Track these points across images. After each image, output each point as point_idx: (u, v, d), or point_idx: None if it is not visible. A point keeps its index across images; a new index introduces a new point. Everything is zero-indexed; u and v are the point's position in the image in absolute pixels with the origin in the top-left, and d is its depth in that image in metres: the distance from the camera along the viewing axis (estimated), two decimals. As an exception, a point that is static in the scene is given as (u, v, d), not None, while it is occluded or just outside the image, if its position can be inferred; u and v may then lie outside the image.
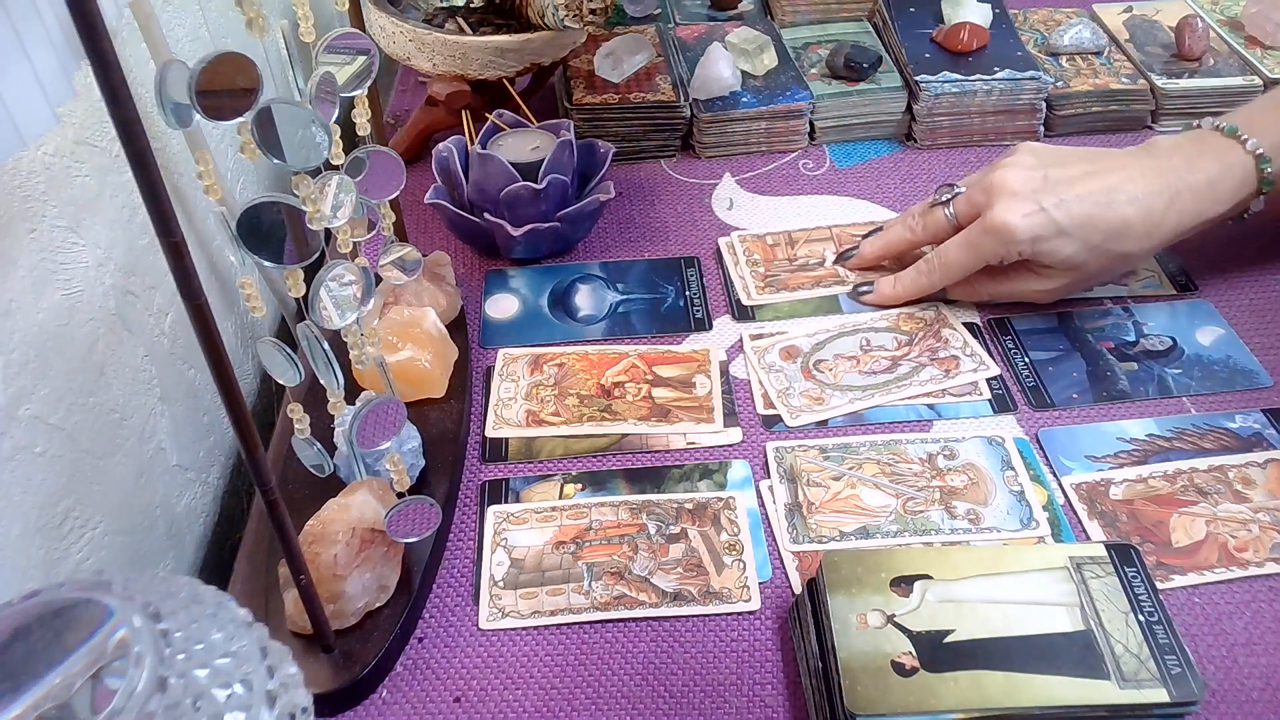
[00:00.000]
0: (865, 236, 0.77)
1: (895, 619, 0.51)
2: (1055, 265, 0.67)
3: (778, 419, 0.67)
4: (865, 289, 0.74)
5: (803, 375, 0.70)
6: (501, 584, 0.58)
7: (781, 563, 0.59)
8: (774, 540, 0.60)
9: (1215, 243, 0.75)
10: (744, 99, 0.88)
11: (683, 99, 0.87)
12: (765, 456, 0.64)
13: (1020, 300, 0.72)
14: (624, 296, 0.76)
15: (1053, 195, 0.65)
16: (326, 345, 0.50)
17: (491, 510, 0.62)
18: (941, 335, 0.72)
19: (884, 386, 0.68)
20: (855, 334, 0.72)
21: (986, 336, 0.72)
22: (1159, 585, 0.55)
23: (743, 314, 0.74)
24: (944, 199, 0.71)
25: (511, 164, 0.74)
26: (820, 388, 0.69)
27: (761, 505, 0.62)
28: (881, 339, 0.72)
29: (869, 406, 0.67)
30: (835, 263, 0.77)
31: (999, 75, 0.87)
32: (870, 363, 0.70)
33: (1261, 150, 0.67)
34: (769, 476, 0.63)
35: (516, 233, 0.74)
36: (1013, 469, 0.63)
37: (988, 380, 0.68)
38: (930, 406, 0.67)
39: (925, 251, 0.74)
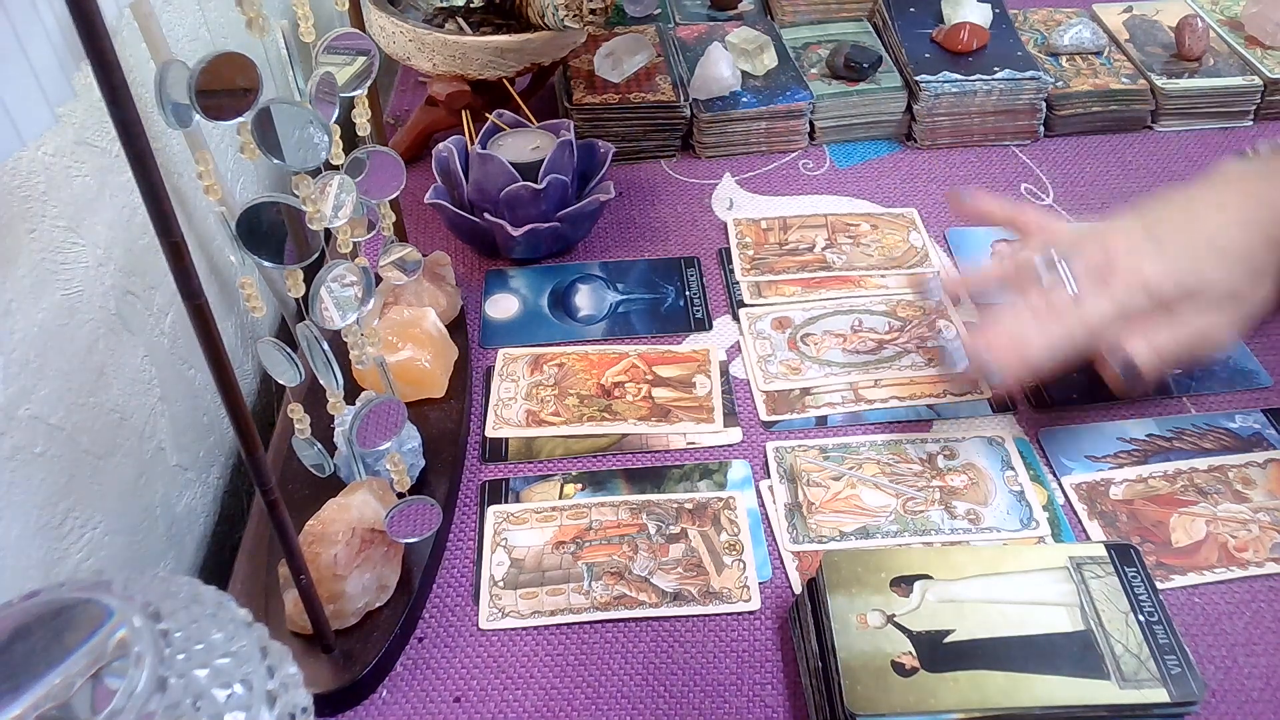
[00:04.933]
0: (918, 287, 0.70)
1: (895, 619, 0.51)
2: (1210, 297, 0.60)
3: (778, 420, 0.67)
4: (990, 376, 0.63)
5: (787, 345, 0.71)
6: (501, 584, 0.58)
7: (781, 563, 0.59)
8: (774, 540, 0.60)
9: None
10: (744, 99, 0.88)
11: (683, 99, 0.88)
12: (765, 457, 0.64)
13: (1203, 345, 0.62)
14: (624, 296, 0.76)
15: (1168, 242, 0.61)
16: (326, 345, 0.49)
17: (491, 510, 0.62)
18: (936, 326, 0.72)
19: (863, 366, 0.69)
20: (851, 314, 0.73)
21: (986, 336, 0.72)
22: (1159, 585, 0.55)
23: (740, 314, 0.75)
24: (1059, 270, 0.61)
25: (511, 164, 0.74)
26: (801, 358, 0.70)
27: (761, 505, 0.62)
28: (874, 321, 0.73)
29: (844, 384, 0.68)
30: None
31: (999, 75, 0.87)
32: (857, 342, 0.71)
33: None
34: (769, 476, 0.63)
35: (516, 233, 0.74)
36: (1013, 469, 0.63)
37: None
38: (930, 407, 0.67)
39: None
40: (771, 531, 0.60)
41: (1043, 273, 0.62)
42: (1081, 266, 0.62)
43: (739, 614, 0.57)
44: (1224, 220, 0.61)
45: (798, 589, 0.58)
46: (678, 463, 0.64)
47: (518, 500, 0.63)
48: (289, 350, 0.47)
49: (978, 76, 0.87)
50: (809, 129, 0.90)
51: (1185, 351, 0.61)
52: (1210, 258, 0.60)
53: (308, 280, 0.47)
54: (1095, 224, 0.66)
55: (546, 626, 0.56)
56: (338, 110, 0.49)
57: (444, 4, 0.89)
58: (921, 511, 0.61)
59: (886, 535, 0.60)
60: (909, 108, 0.89)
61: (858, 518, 0.61)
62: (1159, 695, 0.48)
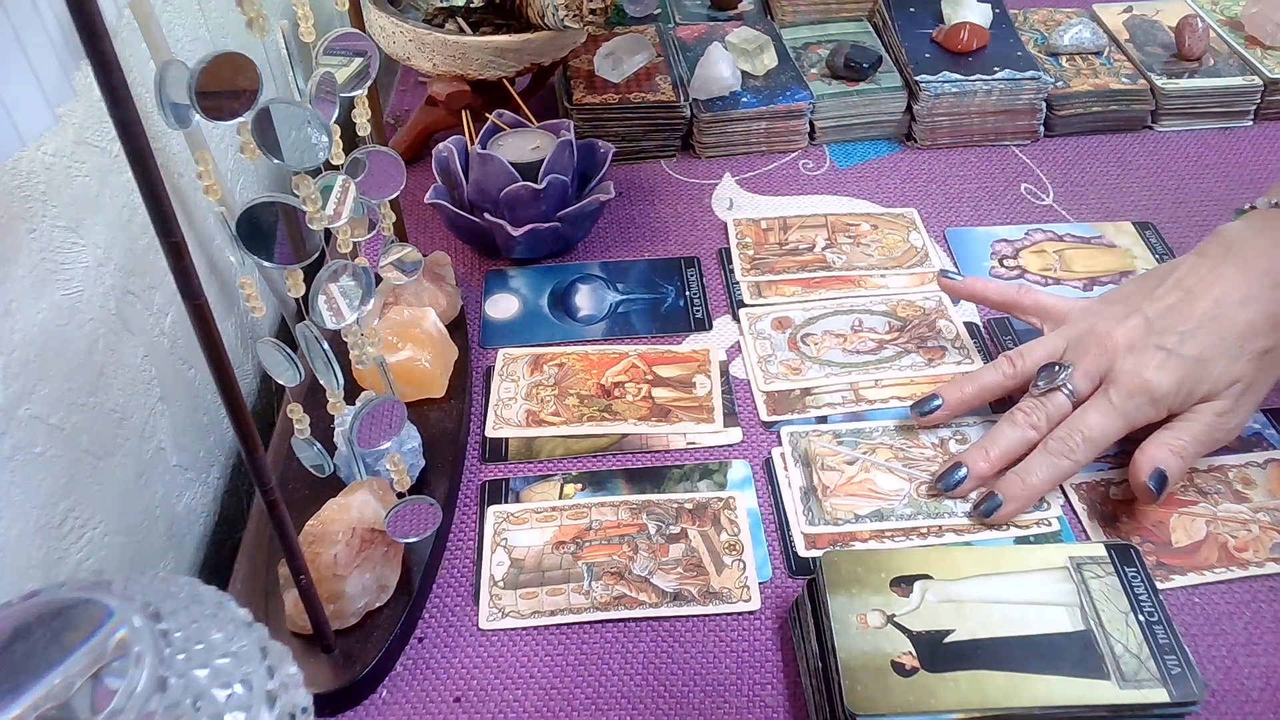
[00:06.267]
0: (920, 410, 0.65)
1: (895, 619, 0.51)
2: (1218, 392, 0.59)
3: (778, 421, 0.67)
4: (992, 503, 0.59)
5: (788, 345, 0.71)
6: (501, 584, 0.58)
7: (784, 559, 0.59)
8: (774, 539, 0.60)
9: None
10: (744, 99, 0.88)
11: (683, 99, 0.88)
12: (780, 441, 0.65)
13: (1219, 438, 0.60)
14: (624, 296, 0.76)
15: (1169, 334, 0.59)
16: (326, 345, 0.49)
17: (491, 510, 0.62)
18: (936, 326, 0.72)
19: (863, 367, 0.69)
20: (851, 314, 0.73)
21: (986, 337, 0.72)
22: (1159, 585, 0.55)
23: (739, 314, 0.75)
24: (1057, 381, 0.60)
25: (511, 164, 0.74)
26: (801, 359, 0.70)
27: (775, 492, 0.62)
28: (874, 321, 0.73)
29: (845, 384, 0.68)
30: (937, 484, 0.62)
31: (999, 75, 0.87)
32: (857, 342, 0.71)
33: None
34: (784, 463, 0.64)
35: (516, 233, 0.74)
36: None
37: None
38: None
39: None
40: (777, 526, 0.60)
41: (1044, 386, 0.61)
42: (1080, 372, 0.60)
43: (739, 614, 0.57)
44: (1224, 302, 0.59)
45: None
46: (678, 463, 0.64)
47: (518, 500, 0.63)
48: (289, 350, 0.47)
49: (978, 76, 0.87)
50: (809, 129, 0.90)
51: (1205, 450, 0.60)
52: (1214, 352, 0.59)
53: (308, 280, 0.47)
54: (1096, 311, 0.63)
55: (546, 626, 0.56)
56: (338, 110, 0.49)
57: (444, 4, 0.89)
58: (934, 495, 0.61)
59: (901, 518, 0.60)
60: (909, 108, 0.89)
61: (872, 501, 0.61)
62: (1159, 695, 0.48)
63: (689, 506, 0.62)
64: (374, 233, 0.59)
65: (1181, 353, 0.59)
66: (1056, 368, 0.61)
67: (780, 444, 0.65)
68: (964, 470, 0.61)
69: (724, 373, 0.70)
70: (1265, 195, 0.65)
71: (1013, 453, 0.61)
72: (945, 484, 0.61)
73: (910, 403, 0.66)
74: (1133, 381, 0.59)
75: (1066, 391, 0.60)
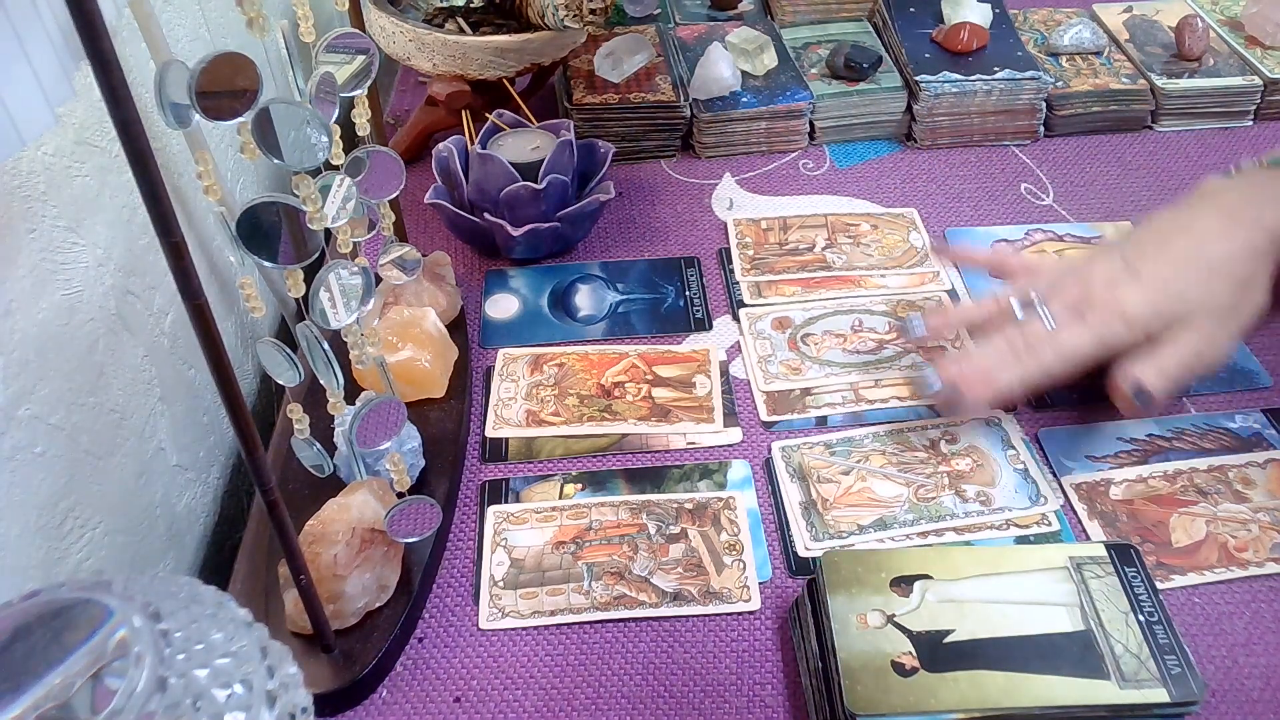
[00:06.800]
0: (904, 326, 0.68)
1: (895, 619, 0.51)
2: (1195, 317, 0.60)
3: (778, 421, 0.67)
4: (954, 392, 0.62)
5: (788, 345, 0.71)
6: (501, 584, 0.58)
7: (784, 559, 0.59)
8: (774, 539, 0.60)
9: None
10: (744, 99, 0.88)
11: (683, 99, 0.88)
12: (770, 457, 0.64)
13: (1204, 361, 0.61)
14: (624, 296, 0.76)
15: (1144, 264, 0.61)
16: (326, 345, 0.49)
17: (491, 510, 0.62)
18: None
19: (863, 366, 0.69)
20: (851, 314, 0.73)
21: (986, 336, 0.72)
22: (1159, 585, 0.55)
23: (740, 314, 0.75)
24: (1037, 310, 0.62)
25: (511, 164, 0.74)
26: (801, 359, 0.70)
27: (778, 506, 0.62)
28: (874, 321, 0.73)
29: (845, 384, 0.68)
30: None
31: (999, 75, 0.87)
32: (857, 342, 0.71)
33: None
34: (775, 477, 0.63)
35: (516, 233, 0.74)
36: (1013, 448, 0.63)
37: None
38: (931, 407, 0.67)
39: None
40: (777, 529, 0.60)
41: (1019, 312, 0.63)
42: (1059, 304, 0.62)
43: (739, 614, 0.57)
44: (1201, 237, 0.62)
45: None
46: (678, 463, 0.64)
47: (518, 500, 0.63)
48: (289, 350, 0.47)
49: (978, 76, 0.87)
50: (809, 129, 0.90)
51: (1189, 370, 0.61)
52: (1189, 277, 0.60)
53: (308, 280, 0.47)
54: (1078, 259, 0.66)
55: (546, 626, 0.56)
56: (338, 110, 0.49)
57: (444, 4, 0.89)
58: (934, 498, 0.61)
59: (903, 525, 0.60)
60: (909, 108, 0.89)
61: (873, 510, 0.61)
62: (1159, 695, 0.48)
63: (689, 506, 0.62)
64: (374, 233, 0.59)
65: (1156, 278, 0.61)
66: (1034, 297, 0.63)
67: (772, 457, 0.65)
68: (931, 370, 0.62)
69: (724, 373, 0.70)
70: (1250, 157, 0.67)
71: (986, 368, 0.62)
72: (919, 387, 0.64)
73: (910, 402, 0.67)
74: (1108, 305, 0.61)
75: (1045, 320, 0.62)
